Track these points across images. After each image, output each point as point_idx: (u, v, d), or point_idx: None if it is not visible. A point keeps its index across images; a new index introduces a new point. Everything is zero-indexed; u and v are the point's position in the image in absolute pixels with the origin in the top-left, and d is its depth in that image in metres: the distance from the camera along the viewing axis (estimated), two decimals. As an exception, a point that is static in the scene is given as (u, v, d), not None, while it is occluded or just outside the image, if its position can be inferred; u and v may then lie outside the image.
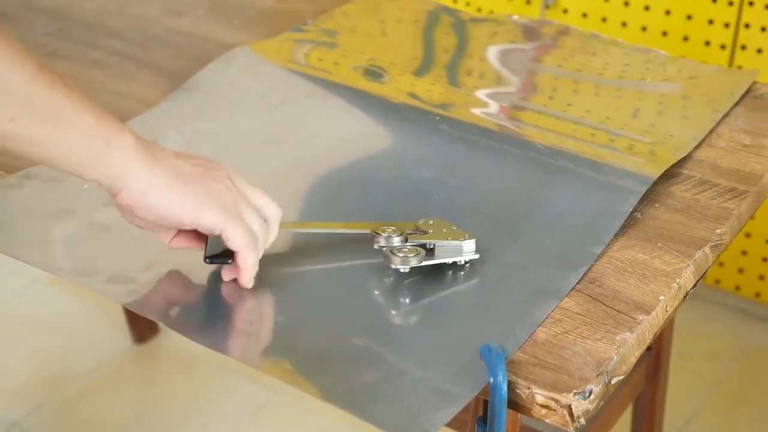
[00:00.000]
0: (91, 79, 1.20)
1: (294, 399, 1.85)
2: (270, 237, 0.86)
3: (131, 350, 1.98)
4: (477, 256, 0.87)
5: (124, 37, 1.32)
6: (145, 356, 1.97)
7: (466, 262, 0.88)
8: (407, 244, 0.86)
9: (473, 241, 0.87)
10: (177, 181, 0.80)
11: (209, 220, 0.81)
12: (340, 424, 1.80)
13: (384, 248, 0.86)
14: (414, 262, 0.84)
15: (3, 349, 1.98)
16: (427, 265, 0.86)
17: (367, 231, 0.88)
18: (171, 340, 1.99)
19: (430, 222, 0.89)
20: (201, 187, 0.81)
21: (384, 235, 0.86)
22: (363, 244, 0.89)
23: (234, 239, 0.82)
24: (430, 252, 0.86)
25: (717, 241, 0.93)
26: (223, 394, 1.88)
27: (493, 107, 1.14)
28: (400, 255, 0.84)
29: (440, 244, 0.86)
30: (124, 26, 1.35)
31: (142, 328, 1.98)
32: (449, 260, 0.87)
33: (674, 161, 1.03)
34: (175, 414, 1.84)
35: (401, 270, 0.85)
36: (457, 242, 0.86)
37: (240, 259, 0.83)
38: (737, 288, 2.00)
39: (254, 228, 0.83)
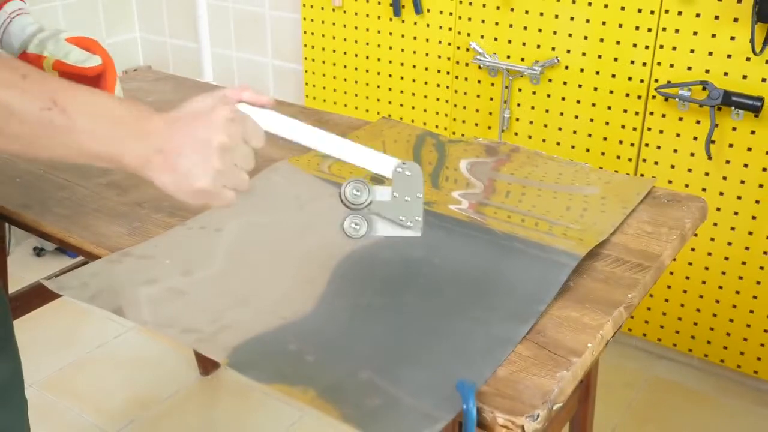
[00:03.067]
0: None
1: (316, 418, 1.82)
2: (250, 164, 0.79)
3: (199, 381, 1.96)
4: (418, 235, 0.80)
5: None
6: (209, 385, 1.95)
7: None
8: (361, 210, 0.79)
9: (419, 228, 0.81)
10: (167, 175, 0.75)
11: (193, 201, 0.77)
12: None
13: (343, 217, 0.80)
14: (359, 233, 0.79)
15: (104, 378, 1.96)
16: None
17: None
18: (229, 374, 1.97)
19: (407, 173, 0.79)
20: (183, 172, 0.75)
21: (348, 189, 0.79)
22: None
23: (215, 205, 0.78)
24: (383, 220, 0.80)
25: (629, 302, 0.93)
26: (266, 414, 1.85)
27: (464, 204, 1.14)
28: (349, 228, 0.79)
29: (384, 225, 0.80)
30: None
31: (207, 364, 1.96)
32: (392, 234, 0.80)
33: (596, 243, 1.02)
34: (231, 429, 1.81)
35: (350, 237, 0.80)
36: (402, 228, 0.80)
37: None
38: (644, 334, 1.98)
39: (234, 184, 0.77)
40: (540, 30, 1.86)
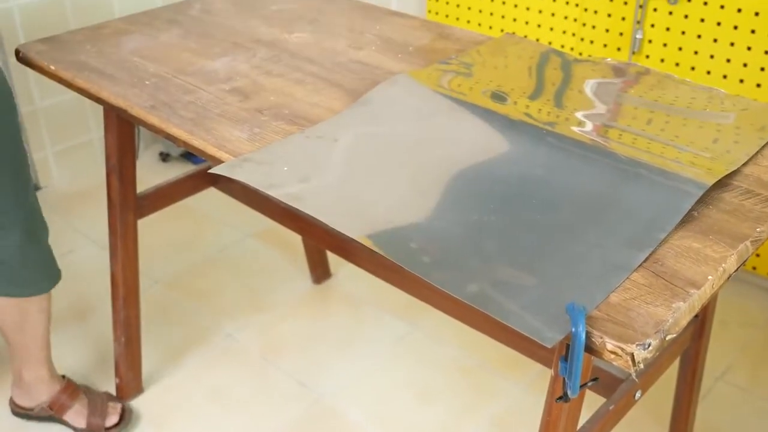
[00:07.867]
0: (294, 92, 1.22)
1: (426, 333, 1.85)
2: None
3: (311, 288, 2.02)
4: None
5: (319, 63, 1.33)
6: (320, 293, 2.01)
7: None
8: None
9: None
10: None
11: None
12: (464, 352, 1.79)
13: None
14: None
15: (222, 281, 2.05)
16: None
17: None
18: (339, 283, 2.02)
19: None
20: None
21: None
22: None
23: None
24: None
25: (757, 237, 0.89)
26: (374, 325, 1.89)
27: (588, 126, 1.11)
28: None
29: None
30: (318, 56, 1.36)
31: (318, 273, 2.02)
32: None
33: (726, 173, 0.97)
34: (341, 338, 1.87)
35: None
36: None
37: None
38: (769, 275, 1.90)
39: None
40: (682, -55, 1.75)
